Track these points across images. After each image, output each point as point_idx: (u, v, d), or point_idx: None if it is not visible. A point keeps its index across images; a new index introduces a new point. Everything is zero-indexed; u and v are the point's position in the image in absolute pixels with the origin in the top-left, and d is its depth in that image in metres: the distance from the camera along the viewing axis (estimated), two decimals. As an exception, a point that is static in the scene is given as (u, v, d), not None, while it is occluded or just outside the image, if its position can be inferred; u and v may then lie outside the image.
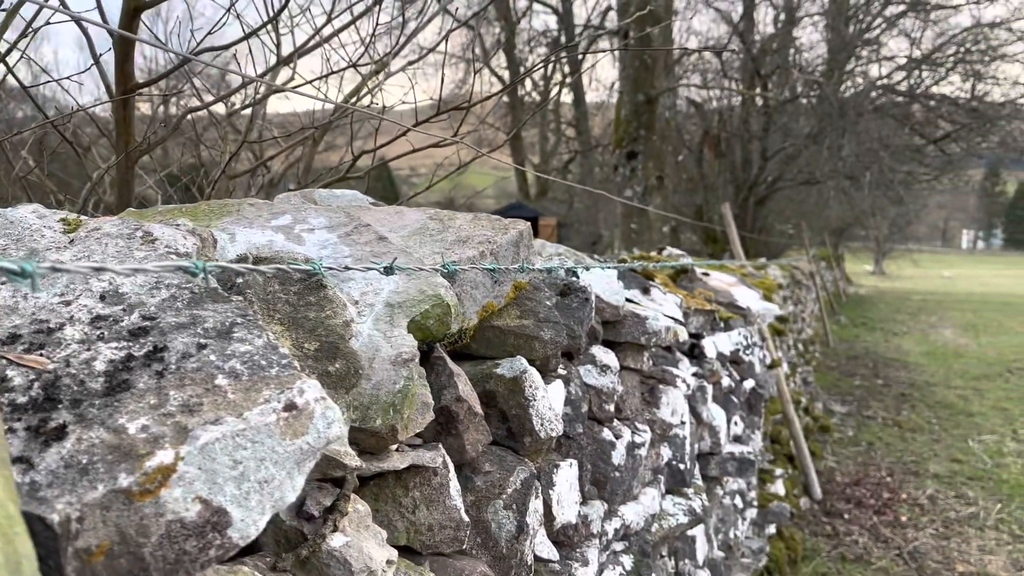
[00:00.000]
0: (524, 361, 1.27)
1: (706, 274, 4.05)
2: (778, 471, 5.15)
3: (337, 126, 2.90)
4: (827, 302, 19.07)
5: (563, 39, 23.90)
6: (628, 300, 2.39)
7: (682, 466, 2.31)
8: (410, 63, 2.57)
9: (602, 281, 1.95)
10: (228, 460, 0.63)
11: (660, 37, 9.76)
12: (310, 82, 2.21)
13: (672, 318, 2.38)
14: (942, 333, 17.46)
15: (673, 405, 2.27)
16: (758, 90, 12.02)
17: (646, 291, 2.57)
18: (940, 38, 18.26)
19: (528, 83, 33.02)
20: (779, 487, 5.02)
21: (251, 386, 0.69)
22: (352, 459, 0.85)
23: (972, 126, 13.52)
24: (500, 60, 31.57)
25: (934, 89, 18.20)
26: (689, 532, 2.91)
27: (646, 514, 1.93)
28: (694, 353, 3.06)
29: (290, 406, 0.68)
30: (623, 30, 10.03)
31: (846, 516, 6.67)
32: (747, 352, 3.46)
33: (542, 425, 1.25)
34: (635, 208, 9.94)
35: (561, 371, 1.51)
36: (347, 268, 0.91)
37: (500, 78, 32.93)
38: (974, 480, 7.71)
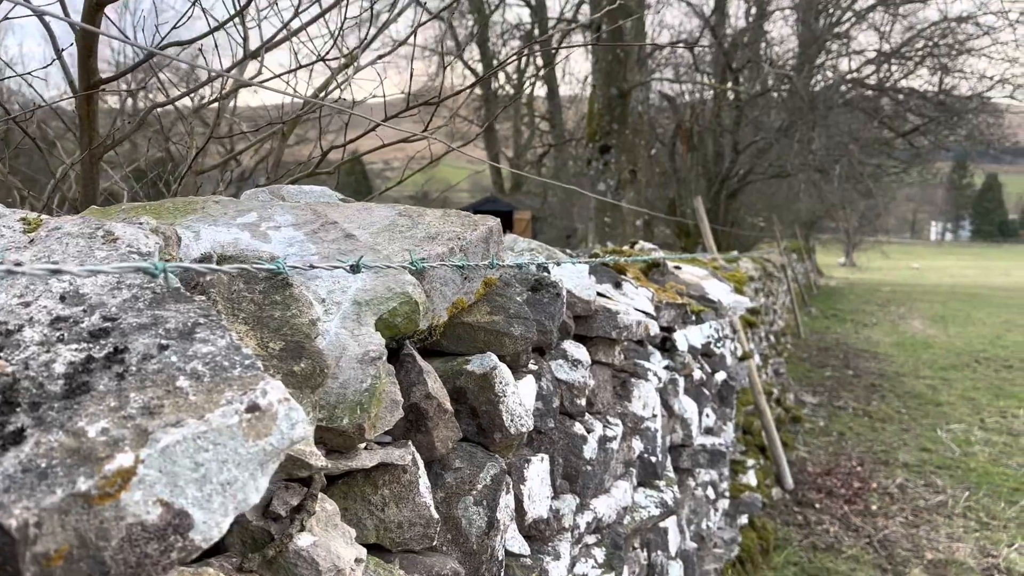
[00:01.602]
0: (494, 357, 1.28)
1: (678, 268, 4.07)
2: (750, 462, 5.21)
3: (307, 120, 2.88)
4: (798, 294, 19.27)
5: (536, 32, 23.87)
6: (600, 295, 2.40)
7: (654, 459, 2.33)
8: (380, 56, 2.55)
9: (573, 276, 1.96)
10: (189, 462, 0.62)
11: (632, 31, 9.78)
12: (278, 76, 2.19)
13: (643, 312, 2.39)
14: (911, 324, 17.72)
15: (644, 398, 2.29)
16: (729, 84, 12.10)
17: (618, 285, 2.58)
18: (909, 32, 18.50)
19: (502, 76, 33.00)
20: (751, 478, 5.07)
21: (213, 387, 0.69)
22: (318, 459, 0.84)
23: (940, 119, 13.71)
24: (473, 53, 31.49)
25: (903, 83, 18.44)
26: (661, 524, 2.93)
27: (618, 507, 1.94)
28: (666, 346, 3.08)
29: (253, 407, 0.67)
30: (595, 24, 10.05)
31: (817, 506, 6.76)
32: (718, 345, 3.49)
33: (512, 421, 1.25)
34: (608, 202, 9.98)
35: (532, 366, 1.51)
36: (312, 267, 0.91)
37: (473, 71, 32.86)
38: (943, 469, 7.84)
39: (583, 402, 1.77)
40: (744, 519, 5.18)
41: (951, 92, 14.36)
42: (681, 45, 11.07)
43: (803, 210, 18.06)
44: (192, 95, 2.50)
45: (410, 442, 1.09)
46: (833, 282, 34.50)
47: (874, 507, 6.75)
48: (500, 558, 1.22)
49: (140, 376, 0.69)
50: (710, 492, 3.96)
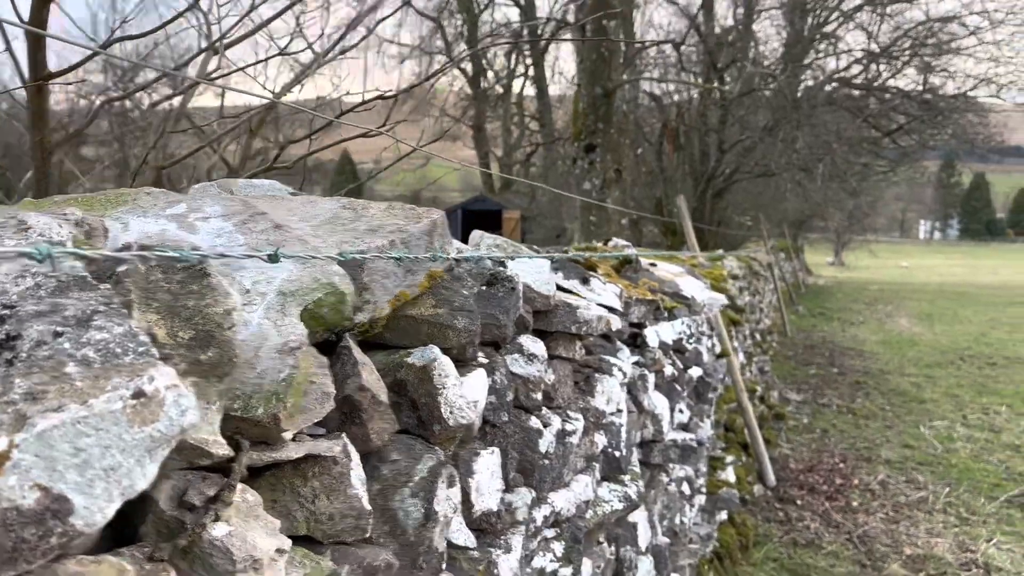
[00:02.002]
0: (436, 350, 1.27)
1: (653, 265, 4.08)
2: (729, 458, 5.22)
3: (278, 116, 2.87)
4: (786, 292, 19.34)
5: (525, 32, 23.87)
6: (566, 290, 2.41)
7: (618, 453, 2.33)
8: (344, 51, 2.54)
9: (533, 272, 1.96)
10: (69, 447, 0.62)
11: (618, 30, 9.79)
12: (240, 69, 2.19)
13: (606, 307, 2.40)
14: (897, 322, 17.80)
15: (608, 393, 2.29)
16: (715, 84, 12.13)
17: (585, 281, 2.58)
18: (896, 32, 18.58)
19: (491, 75, 33.01)
20: (730, 474, 5.09)
21: (101, 374, 0.68)
22: (220, 447, 0.84)
23: (924, 118, 13.78)
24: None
25: (890, 82, 18.53)
26: (631, 519, 2.94)
27: (577, 501, 1.95)
28: (636, 342, 3.09)
29: (139, 394, 0.67)
30: (580, 23, 10.07)
31: (799, 502, 6.78)
32: (690, 341, 3.50)
33: (451, 413, 1.25)
34: (593, 202, 10.00)
35: (482, 360, 1.51)
36: (222, 256, 0.90)
37: (463, 70, 32.90)
38: (924, 465, 7.88)
39: (539, 396, 1.77)
40: (723, 515, 5.19)
41: (936, 91, 14.44)
42: (663, 44, 11.09)
43: (790, 209, 18.13)
44: (146, 90, 2.49)
45: (344, 434, 1.09)
46: (822, 281, 34.63)
47: (855, 503, 6.77)
48: (440, 550, 1.22)
49: (29, 362, 0.69)
50: (685, 488, 3.97)
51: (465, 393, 1.29)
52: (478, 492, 1.44)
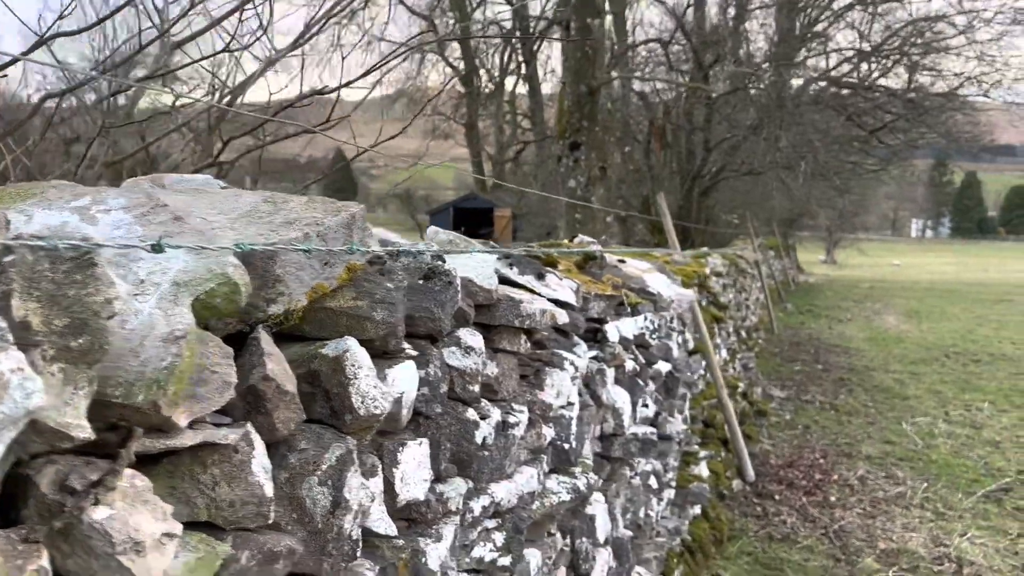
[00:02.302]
0: (349, 341, 1.30)
1: (622, 261, 4.11)
2: (703, 453, 5.26)
3: (235, 116, 2.88)
4: (774, 290, 19.39)
5: (517, 30, 23.89)
6: (520, 285, 2.43)
7: (567, 446, 2.36)
8: (296, 44, 2.56)
9: (477, 267, 1.98)
10: (-95, 428, 0.64)
11: (603, 29, 9.81)
12: (187, 65, 2.20)
13: (560, 302, 2.43)
14: (885, 319, 17.88)
15: (558, 387, 2.32)
16: (700, 83, 12.16)
17: (540, 276, 2.60)
18: (886, 31, 18.63)
19: (483, 73, 33.00)
20: (703, 469, 5.13)
21: (-51, 357, 0.71)
22: (83, 431, 0.86)
23: (908, 116, 13.84)
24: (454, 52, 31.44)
25: (881, 81, 18.59)
26: (589, 511, 2.97)
27: (520, 492, 1.97)
28: (597, 337, 3.12)
29: (-19, 376, 0.69)
30: (565, 21, 10.09)
31: (777, 497, 6.81)
32: (655, 336, 3.53)
33: (363, 403, 1.28)
34: (578, 199, 10.03)
35: (411, 352, 1.54)
36: (98, 245, 0.92)
37: (455, 68, 32.88)
38: (904, 461, 7.91)
39: (477, 388, 1.80)
40: (697, 510, 5.23)
41: (926, 90, 14.49)
42: (649, 43, 11.11)
43: (777, 208, 18.20)
44: (89, 85, 2.50)
45: (249, 423, 1.11)
46: (812, 279, 34.70)
47: (833, 498, 6.80)
48: (353, 537, 1.25)
49: None
50: (652, 482, 4.00)
51: (382, 384, 1.31)
52: (403, 482, 1.47)
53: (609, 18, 12.66)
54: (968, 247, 75.92)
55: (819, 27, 18.91)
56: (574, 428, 2.40)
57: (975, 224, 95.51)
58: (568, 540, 2.72)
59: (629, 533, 3.43)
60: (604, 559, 2.99)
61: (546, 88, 29.15)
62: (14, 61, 1.79)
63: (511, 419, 1.98)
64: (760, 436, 8.50)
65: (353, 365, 1.27)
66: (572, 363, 2.45)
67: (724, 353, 9.41)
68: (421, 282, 1.70)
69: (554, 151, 10.97)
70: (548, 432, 2.25)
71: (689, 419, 5.73)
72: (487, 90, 30.99)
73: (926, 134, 19.20)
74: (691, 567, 4.60)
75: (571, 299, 2.63)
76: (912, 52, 17.51)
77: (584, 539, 2.80)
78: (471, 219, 27.58)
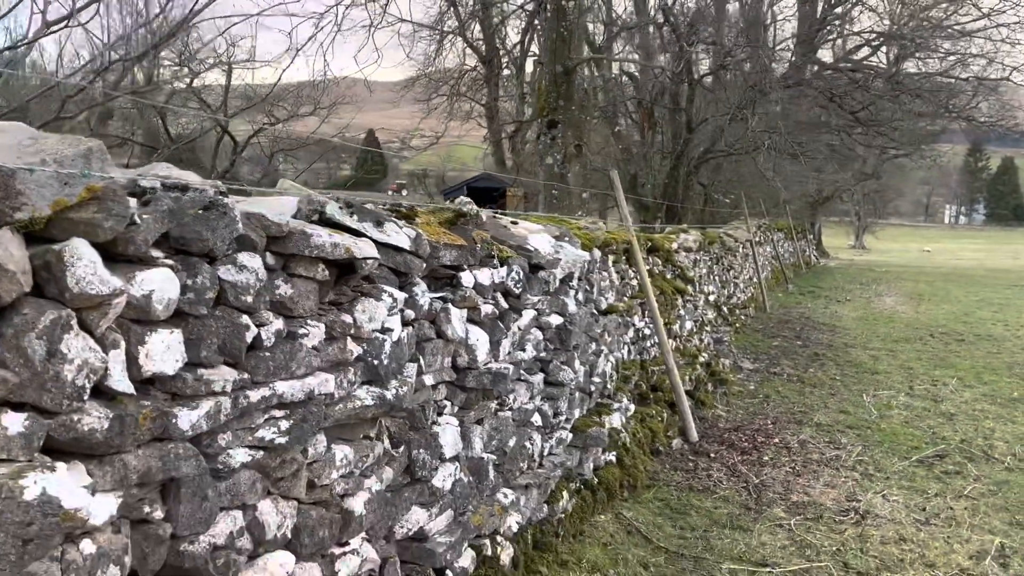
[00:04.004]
0: (76, 240, 1.70)
1: (514, 223, 4.55)
2: (616, 405, 5.68)
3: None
4: (779, 271, 19.55)
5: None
6: (353, 230, 2.88)
7: (376, 362, 2.81)
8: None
9: (276, 207, 2.45)
10: None
11: (578, 11, 10.15)
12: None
13: (393, 247, 2.91)
14: (884, 301, 17.99)
15: (371, 314, 2.78)
16: (679, 63, 12.43)
17: (379, 224, 3.06)
18: (908, 17, 18.66)
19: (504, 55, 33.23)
20: (615, 420, 5.55)
21: None
22: None
23: (888, 96, 13.95)
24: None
25: (906, 66, 18.62)
26: (436, 428, 3.43)
27: (307, 390, 2.42)
28: (452, 282, 3.57)
29: None
30: (543, 2, 10.46)
31: (712, 455, 7.16)
32: (518, 286, 3.96)
33: (77, 284, 1.71)
34: (555, 174, 10.43)
35: (167, 262, 1.99)
36: None
37: (475, 49, 33.20)
38: (853, 429, 8.16)
39: (250, 299, 2.24)
40: (611, 456, 5.65)
41: (904, 70, 14.56)
42: (630, 28, 11.41)
43: (771, 189, 18.33)
44: None
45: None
46: (833, 263, 34.57)
47: (766, 458, 7.12)
48: (78, 384, 1.68)
49: None
50: (536, 419, 4.45)
51: (106, 273, 1.76)
52: (148, 358, 1.93)
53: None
54: (1002, 233, 74.52)
55: (839, 9, 18.99)
56: (387, 349, 2.85)
57: (1010, 210, 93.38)
58: (403, 449, 3.19)
59: (493, 457, 3.89)
60: (449, 471, 3.45)
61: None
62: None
63: (300, 331, 2.45)
64: (716, 402, 8.85)
65: (72, 256, 1.71)
66: (392, 295, 2.90)
67: (689, 324, 9.78)
68: (201, 212, 2.17)
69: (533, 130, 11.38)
70: (355, 348, 2.70)
71: (610, 375, 6.14)
72: (508, 71, 31.24)
73: (956, 116, 19.21)
74: (588, 502, 5.04)
75: (405, 244, 3.08)
76: (937, 36, 17.54)
77: (422, 451, 3.27)
78: (483, 196, 28.07)
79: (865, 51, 20.53)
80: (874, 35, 19.60)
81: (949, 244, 56.63)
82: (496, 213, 4.47)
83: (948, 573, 4.93)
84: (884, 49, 17.64)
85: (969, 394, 9.73)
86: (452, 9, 29.43)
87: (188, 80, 16.43)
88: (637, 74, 14.22)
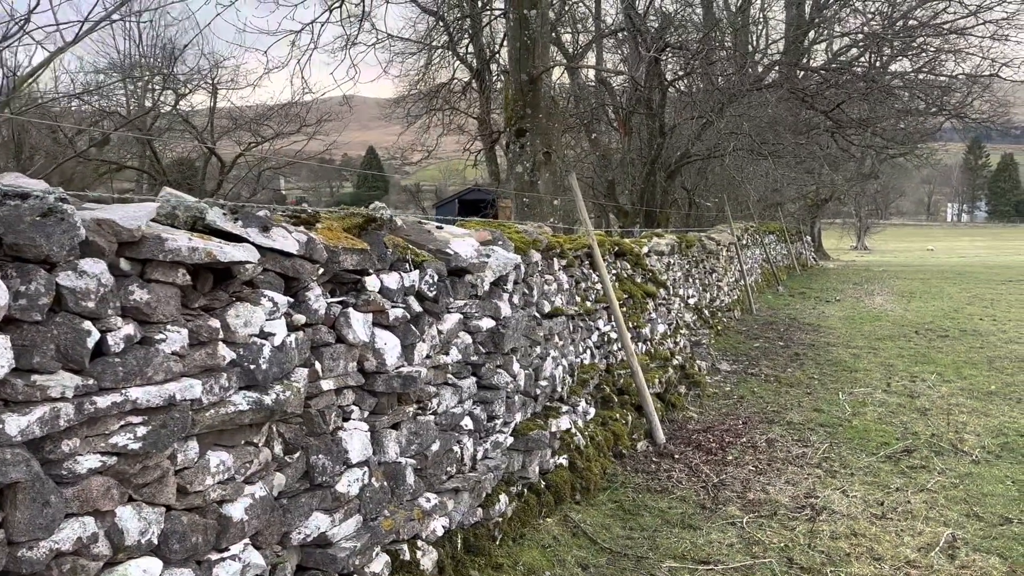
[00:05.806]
0: None
1: (439, 227, 4.55)
2: (564, 408, 5.66)
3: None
4: (770, 274, 19.49)
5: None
6: (234, 236, 2.88)
7: (253, 367, 2.80)
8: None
9: (128, 215, 2.46)
10: None
11: (540, 20, 10.19)
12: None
13: (280, 252, 2.91)
14: (874, 300, 17.90)
15: (246, 319, 2.78)
16: (650, 69, 12.44)
17: (265, 229, 3.06)
18: (896, 15, 18.65)
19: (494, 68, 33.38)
20: (564, 423, 5.52)
21: None
22: None
23: (866, 94, 13.92)
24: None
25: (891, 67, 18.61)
26: (342, 433, 3.43)
27: (166, 396, 2.42)
28: (358, 286, 3.57)
29: None
30: (506, 11, 10.51)
31: (676, 456, 7.11)
32: (432, 289, 3.95)
33: None
34: (526, 184, 10.44)
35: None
36: None
37: (467, 64, 33.37)
38: (824, 427, 8.08)
39: (91, 305, 2.24)
40: (563, 460, 5.62)
41: (878, 69, 14.55)
42: (601, 38, 11.44)
43: (753, 192, 18.32)
44: None
45: None
46: (832, 264, 34.44)
47: (730, 457, 7.06)
48: None
49: None
50: (466, 423, 4.44)
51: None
52: (-35, 361, 1.96)
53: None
54: (1004, 230, 74.03)
55: (827, 12, 19.02)
56: (266, 354, 2.85)
57: (1012, 207, 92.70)
58: (302, 455, 3.18)
59: (412, 462, 3.87)
60: (356, 476, 3.44)
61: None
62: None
63: (157, 336, 2.45)
64: (687, 404, 8.80)
65: None
66: (273, 300, 2.90)
67: (662, 327, 9.74)
68: (39, 219, 2.18)
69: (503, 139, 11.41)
70: (228, 354, 2.70)
71: (562, 379, 6.12)
72: (498, 84, 31.39)
73: (944, 115, 19.17)
74: (531, 505, 5.00)
75: (293, 249, 3.09)
76: (924, 34, 17.51)
77: (322, 456, 3.26)
78: (474, 209, 28.26)
79: (853, 52, 20.57)
80: (861, 35, 19.62)
81: (951, 243, 56.38)
82: (422, 220, 4.47)
83: (895, 566, 4.87)
84: (869, 52, 17.62)
85: (946, 388, 9.65)
86: (440, 24, 29.62)
87: (173, 102, 16.54)
88: (611, 81, 14.26)
